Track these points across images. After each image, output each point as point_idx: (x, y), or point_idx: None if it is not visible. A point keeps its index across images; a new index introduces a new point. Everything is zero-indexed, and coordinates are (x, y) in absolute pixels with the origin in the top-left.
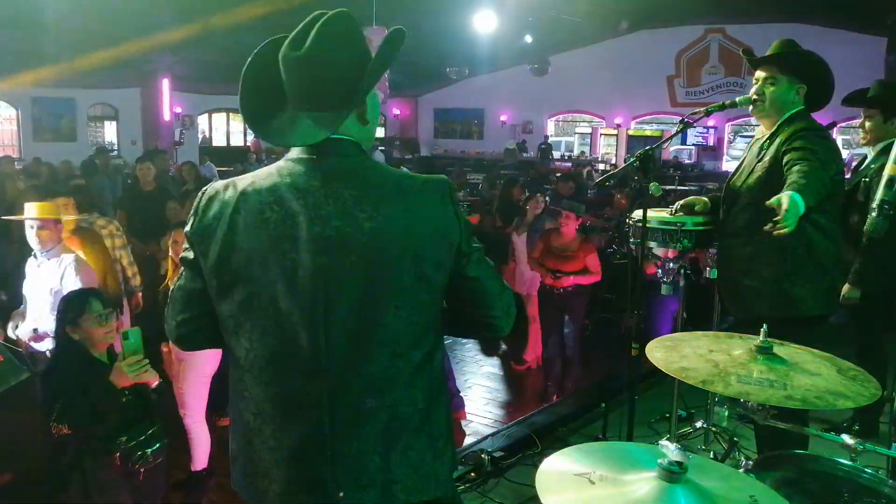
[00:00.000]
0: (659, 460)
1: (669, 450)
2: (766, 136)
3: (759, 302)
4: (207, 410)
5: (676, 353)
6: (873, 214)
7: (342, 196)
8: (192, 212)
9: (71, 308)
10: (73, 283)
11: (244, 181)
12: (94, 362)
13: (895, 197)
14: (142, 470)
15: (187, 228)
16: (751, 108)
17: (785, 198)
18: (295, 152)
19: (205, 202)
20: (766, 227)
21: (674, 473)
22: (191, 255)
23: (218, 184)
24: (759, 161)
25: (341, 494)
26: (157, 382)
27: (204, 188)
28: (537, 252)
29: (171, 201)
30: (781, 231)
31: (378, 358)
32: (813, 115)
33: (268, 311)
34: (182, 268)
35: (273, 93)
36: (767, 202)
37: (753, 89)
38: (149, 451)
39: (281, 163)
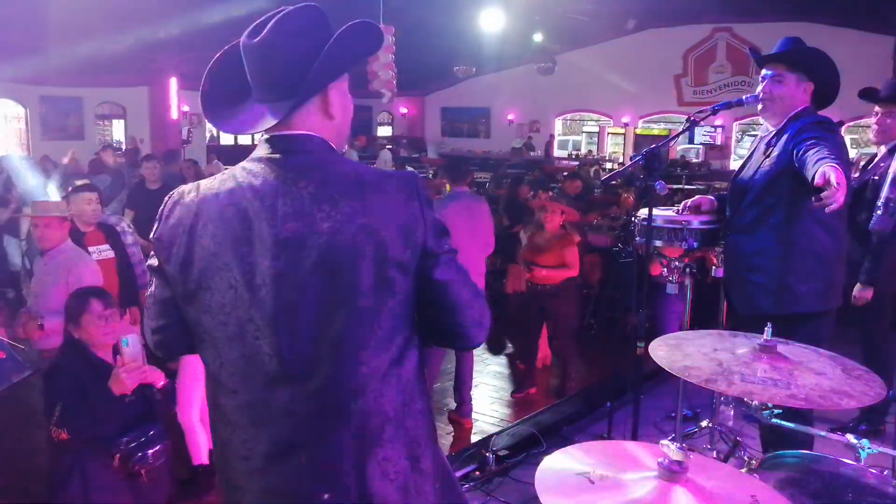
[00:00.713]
0: (659, 459)
1: (670, 449)
2: (773, 133)
3: (763, 298)
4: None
5: (680, 352)
6: (879, 212)
7: (300, 195)
8: (157, 217)
9: (72, 307)
10: (78, 281)
11: (207, 183)
12: (96, 364)
13: None
14: (143, 471)
15: (152, 234)
16: (758, 106)
17: (832, 171)
18: (258, 152)
19: (169, 207)
20: (816, 204)
21: (674, 473)
22: (156, 262)
23: (185, 186)
24: (766, 157)
25: (325, 496)
26: (162, 382)
27: (172, 192)
28: (523, 249)
29: None
30: (833, 206)
31: (343, 364)
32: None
33: (230, 318)
34: (152, 276)
35: (236, 85)
36: (815, 182)
37: (760, 87)
38: (150, 452)
39: (244, 163)
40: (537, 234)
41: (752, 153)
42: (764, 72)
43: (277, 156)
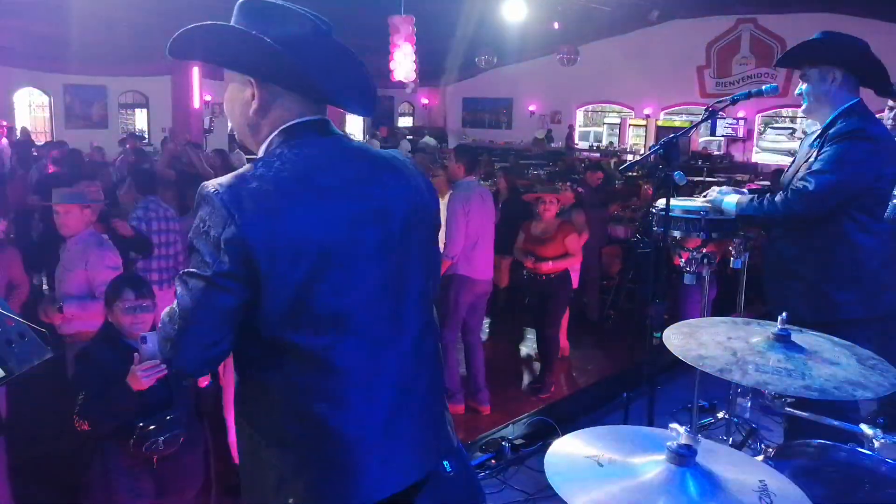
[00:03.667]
0: (668, 443)
1: (678, 433)
2: (818, 134)
3: (802, 304)
4: None
5: (694, 340)
6: (894, 202)
7: None
8: (225, 217)
9: (108, 292)
10: (95, 267)
11: (277, 168)
12: (124, 351)
13: None
14: (154, 457)
15: (222, 235)
16: (801, 108)
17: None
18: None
19: (237, 202)
20: None
21: (682, 457)
22: (226, 267)
23: (234, 179)
24: (806, 161)
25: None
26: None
27: (220, 187)
28: (519, 242)
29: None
30: None
31: (424, 318)
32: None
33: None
34: (222, 285)
35: None
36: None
37: (797, 90)
38: (161, 438)
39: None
40: (535, 225)
41: (800, 152)
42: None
43: None
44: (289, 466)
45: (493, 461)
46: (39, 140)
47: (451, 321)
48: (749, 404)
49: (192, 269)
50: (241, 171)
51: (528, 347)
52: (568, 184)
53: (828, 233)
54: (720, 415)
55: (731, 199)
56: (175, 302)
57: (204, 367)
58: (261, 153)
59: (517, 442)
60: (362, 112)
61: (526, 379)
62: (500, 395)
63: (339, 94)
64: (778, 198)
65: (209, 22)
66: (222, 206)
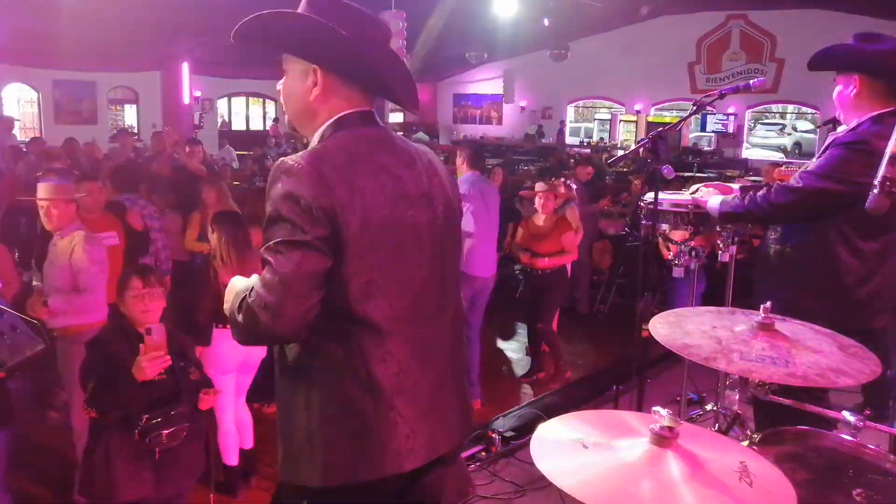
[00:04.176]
0: (650, 425)
1: (661, 415)
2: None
3: (779, 306)
4: (252, 399)
5: (680, 330)
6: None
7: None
8: (316, 187)
9: (119, 282)
10: (80, 262)
11: (350, 148)
12: (133, 340)
13: None
14: (156, 450)
15: (313, 203)
16: None
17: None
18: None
19: (321, 174)
20: None
21: (664, 438)
22: (324, 232)
23: (313, 154)
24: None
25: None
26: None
27: (301, 161)
28: (518, 238)
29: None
30: None
31: (457, 299)
32: None
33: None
34: (308, 250)
35: None
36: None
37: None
38: (165, 432)
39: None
40: (532, 221)
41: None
42: None
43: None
44: (348, 434)
45: (483, 453)
46: (28, 136)
47: None
48: (737, 397)
49: (284, 239)
50: (312, 149)
51: (518, 341)
52: (562, 179)
53: (812, 238)
54: (708, 407)
55: (715, 198)
56: (266, 272)
57: (301, 331)
58: (315, 139)
59: (507, 434)
60: (410, 107)
61: (518, 373)
62: (491, 389)
63: (397, 89)
64: (760, 193)
65: (282, 10)
66: (308, 177)
